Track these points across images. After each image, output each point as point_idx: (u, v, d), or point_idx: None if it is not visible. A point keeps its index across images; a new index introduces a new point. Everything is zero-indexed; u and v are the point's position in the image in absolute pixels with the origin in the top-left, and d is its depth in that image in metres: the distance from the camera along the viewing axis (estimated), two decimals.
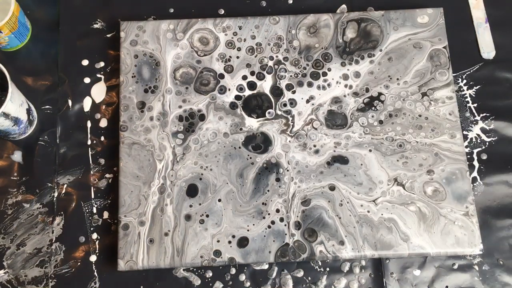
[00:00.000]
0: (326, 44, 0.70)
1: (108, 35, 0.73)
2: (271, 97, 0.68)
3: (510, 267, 0.65)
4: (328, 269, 0.65)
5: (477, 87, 0.72)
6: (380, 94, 0.68)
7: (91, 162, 0.68)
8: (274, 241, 0.63)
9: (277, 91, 0.69)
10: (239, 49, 0.70)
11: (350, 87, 0.69)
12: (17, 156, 0.68)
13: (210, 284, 0.64)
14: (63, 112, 0.70)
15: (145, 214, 0.64)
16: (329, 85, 0.69)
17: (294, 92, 0.68)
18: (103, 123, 0.70)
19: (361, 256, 0.63)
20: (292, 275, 0.65)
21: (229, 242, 0.63)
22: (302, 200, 0.64)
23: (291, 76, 0.69)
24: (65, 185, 0.67)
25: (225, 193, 0.65)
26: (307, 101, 0.68)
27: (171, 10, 0.74)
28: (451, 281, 0.65)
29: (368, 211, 0.64)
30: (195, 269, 0.65)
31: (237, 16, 0.71)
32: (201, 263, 0.62)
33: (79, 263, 0.65)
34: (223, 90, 0.68)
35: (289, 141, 0.66)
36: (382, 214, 0.64)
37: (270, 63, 0.69)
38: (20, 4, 0.70)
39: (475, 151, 0.69)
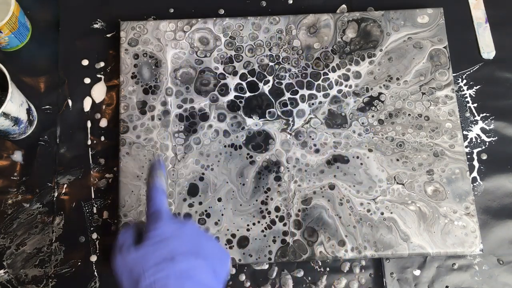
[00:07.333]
0: (326, 44, 0.70)
1: (108, 35, 0.73)
2: (271, 97, 0.68)
3: (510, 267, 0.65)
4: (328, 269, 0.65)
5: (477, 87, 0.72)
6: (380, 94, 0.68)
7: (91, 162, 0.68)
8: (274, 241, 0.63)
9: (277, 91, 0.69)
10: (239, 49, 0.70)
11: (350, 87, 0.69)
12: (17, 156, 0.68)
13: None
14: (63, 112, 0.70)
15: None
16: (329, 85, 0.69)
17: (294, 92, 0.68)
18: (103, 123, 0.70)
19: (361, 257, 0.63)
20: (292, 275, 0.65)
21: (229, 242, 0.63)
22: (303, 199, 0.64)
23: (291, 76, 0.69)
24: (65, 185, 0.67)
25: (225, 193, 0.65)
26: (307, 101, 0.68)
27: (171, 10, 0.74)
28: (451, 281, 0.65)
29: (368, 210, 0.64)
30: None
31: (237, 16, 0.72)
32: None
33: (79, 263, 0.65)
34: (223, 90, 0.68)
35: (289, 138, 0.66)
36: (382, 214, 0.64)
37: (270, 63, 0.69)
38: (20, 4, 0.70)
39: (475, 151, 0.69)
